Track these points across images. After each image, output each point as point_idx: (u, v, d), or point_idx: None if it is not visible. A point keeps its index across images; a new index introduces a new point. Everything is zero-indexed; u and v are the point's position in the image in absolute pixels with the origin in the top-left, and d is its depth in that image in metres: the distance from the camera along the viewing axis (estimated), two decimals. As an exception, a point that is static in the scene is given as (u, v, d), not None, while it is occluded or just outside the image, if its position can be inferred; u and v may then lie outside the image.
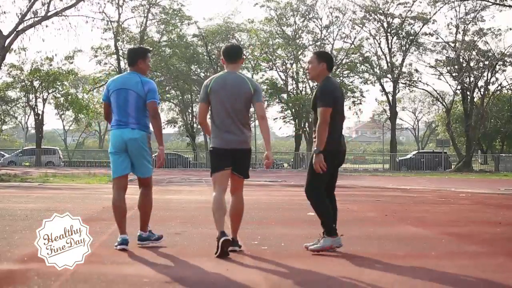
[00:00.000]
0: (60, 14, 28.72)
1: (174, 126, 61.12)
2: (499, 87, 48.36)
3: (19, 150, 49.38)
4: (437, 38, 49.13)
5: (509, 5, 38.43)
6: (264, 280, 4.77)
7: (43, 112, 46.14)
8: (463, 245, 6.82)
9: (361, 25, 50.22)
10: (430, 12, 48.33)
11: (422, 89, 54.48)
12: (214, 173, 6.07)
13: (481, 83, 47.47)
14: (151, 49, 6.80)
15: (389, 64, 49.89)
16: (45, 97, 46.12)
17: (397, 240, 7.11)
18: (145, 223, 6.42)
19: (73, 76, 47.35)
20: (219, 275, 4.90)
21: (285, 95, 52.36)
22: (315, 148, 5.95)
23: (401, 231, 7.96)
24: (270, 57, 51.51)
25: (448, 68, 48.36)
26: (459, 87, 48.13)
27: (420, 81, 51.21)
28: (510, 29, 47.43)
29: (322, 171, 5.94)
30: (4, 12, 32.58)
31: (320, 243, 6.07)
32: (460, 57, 47.18)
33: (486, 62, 46.41)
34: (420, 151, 56.57)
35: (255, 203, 11.43)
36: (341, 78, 50.26)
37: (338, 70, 49.58)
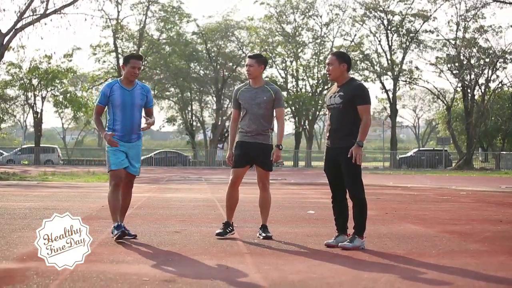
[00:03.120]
0: (58, 12, 28.70)
1: (174, 124, 61.08)
2: (500, 85, 48.36)
3: (18, 149, 49.32)
4: (437, 36, 49.16)
5: (510, 2, 38.43)
6: (264, 278, 4.74)
7: (42, 110, 46.14)
8: (464, 244, 6.79)
9: (361, 23, 50.23)
10: (430, 10, 48.39)
11: (423, 86, 54.46)
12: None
13: (481, 80, 47.46)
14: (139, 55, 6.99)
15: (389, 62, 49.88)
16: (44, 95, 46.11)
17: (398, 238, 7.09)
18: (110, 214, 6.69)
19: (72, 74, 47.31)
20: (218, 273, 4.88)
21: (285, 93, 52.33)
22: (359, 141, 6.20)
23: (401, 230, 7.94)
24: (270, 54, 51.47)
25: (449, 65, 48.33)
26: (459, 85, 48.11)
27: (420, 78, 51.25)
28: (511, 26, 47.20)
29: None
30: (3, 10, 32.55)
31: (354, 243, 6.21)
32: (461, 54, 47.15)
33: (487, 60, 46.39)
34: (420, 149, 56.52)
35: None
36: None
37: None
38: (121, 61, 50.03)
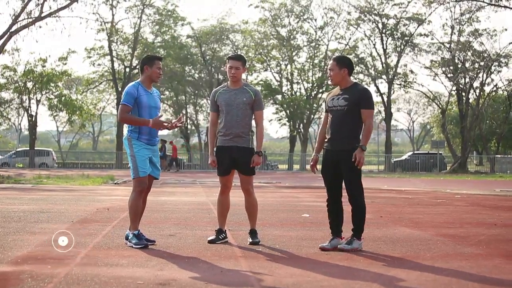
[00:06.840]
0: (54, 15, 28.62)
1: (168, 127, 61.04)
2: (495, 88, 48.34)
3: (13, 152, 49.15)
4: (432, 39, 49.15)
5: (505, 6, 38.44)
6: (258, 281, 4.74)
7: (36, 113, 45.95)
8: (459, 247, 6.80)
9: (356, 26, 50.24)
10: (425, 13, 48.35)
11: (417, 90, 54.49)
12: None
13: (476, 84, 47.45)
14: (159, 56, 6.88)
15: (384, 65, 49.91)
16: (38, 98, 45.93)
17: (392, 241, 7.09)
18: (131, 222, 6.45)
19: (67, 77, 47.18)
20: (213, 276, 4.88)
21: (279, 96, 52.33)
22: (362, 145, 6.25)
23: (396, 233, 7.94)
24: (265, 58, 51.47)
25: (443, 69, 48.34)
26: (454, 88, 48.14)
27: (415, 82, 51.24)
28: (505, 29, 47.20)
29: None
30: (-2, 13, 32.51)
31: (352, 245, 6.28)
32: (455, 58, 47.18)
33: (482, 63, 46.38)
34: (415, 152, 56.53)
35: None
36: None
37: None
38: (116, 64, 49.62)
